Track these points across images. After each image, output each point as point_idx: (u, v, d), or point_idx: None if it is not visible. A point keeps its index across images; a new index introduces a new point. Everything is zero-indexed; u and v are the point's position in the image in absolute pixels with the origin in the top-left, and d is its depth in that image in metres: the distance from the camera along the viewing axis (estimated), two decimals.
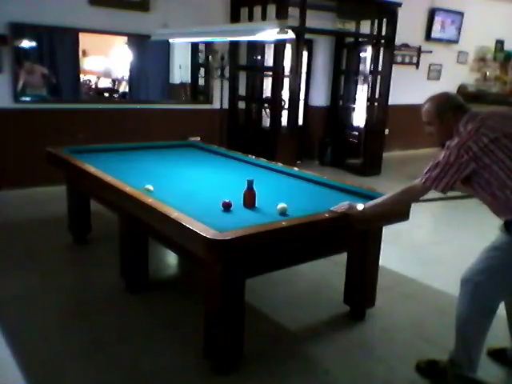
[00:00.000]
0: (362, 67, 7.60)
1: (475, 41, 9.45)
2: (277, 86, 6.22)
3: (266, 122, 6.67)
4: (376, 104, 7.16)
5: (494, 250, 2.18)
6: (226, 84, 6.41)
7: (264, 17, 5.91)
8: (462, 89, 9.54)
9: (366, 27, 7.27)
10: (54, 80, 6.11)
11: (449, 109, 2.22)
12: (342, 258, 2.91)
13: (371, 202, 2.45)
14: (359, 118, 7.57)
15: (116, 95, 8.34)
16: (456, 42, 9.10)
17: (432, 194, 2.26)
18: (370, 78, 7.16)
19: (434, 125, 2.27)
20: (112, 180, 2.95)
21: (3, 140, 5.21)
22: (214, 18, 6.11)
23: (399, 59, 8.18)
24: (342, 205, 2.49)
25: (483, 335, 2.26)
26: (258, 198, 2.61)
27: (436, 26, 8.64)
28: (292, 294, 3.30)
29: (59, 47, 6.15)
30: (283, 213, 2.46)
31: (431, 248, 4.35)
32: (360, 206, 2.44)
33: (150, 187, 2.79)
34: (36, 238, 4.09)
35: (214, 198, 2.81)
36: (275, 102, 6.31)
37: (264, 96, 6.83)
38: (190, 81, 7.07)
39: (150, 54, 6.90)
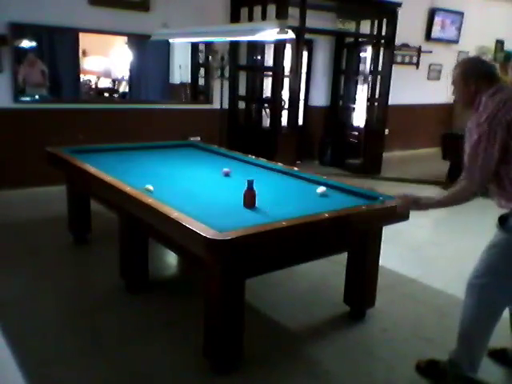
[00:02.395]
0: (362, 67, 7.61)
1: (475, 41, 9.44)
2: (277, 86, 6.22)
3: (266, 122, 6.67)
4: (376, 104, 7.16)
5: (492, 248, 2.18)
6: (226, 84, 6.41)
7: (264, 17, 5.91)
8: None
9: (366, 27, 7.27)
10: (48, 73, 6.06)
11: (473, 75, 2.17)
12: (342, 257, 2.91)
13: (428, 201, 2.30)
14: (359, 118, 7.58)
15: (116, 95, 8.35)
16: (456, 42, 9.10)
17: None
18: (369, 78, 7.16)
19: (457, 87, 2.23)
20: (112, 180, 2.95)
21: (3, 140, 5.20)
22: (214, 18, 6.11)
23: (399, 59, 8.18)
24: (403, 197, 2.38)
25: (487, 337, 2.26)
26: (258, 198, 2.61)
27: (436, 26, 8.64)
28: (292, 294, 3.30)
29: (59, 47, 6.16)
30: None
31: (431, 248, 4.35)
32: (418, 201, 2.32)
33: (150, 187, 2.79)
34: (36, 238, 4.09)
35: (214, 198, 2.82)
36: (275, 102, 6.31)
37: (264, 96, 6.83)
38: (190, 81, 7.07)
39: (150, 53, 6.92)
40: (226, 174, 3.35)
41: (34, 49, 5.94)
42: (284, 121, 6.54)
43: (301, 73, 6.80)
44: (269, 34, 3.19)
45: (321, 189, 2.93)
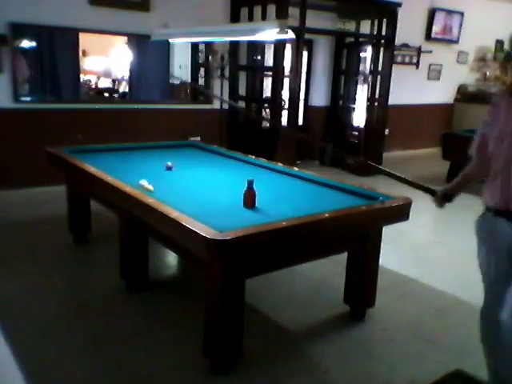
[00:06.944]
0: (362, 67, 7.60)
1: (475, 41, 9.45)
2: (277, 86, 6.22)
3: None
4: (376, 104, 7.16)
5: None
6: (226, 84, 6.41)
7: (264, 17, 5.91)
8: (462, 89, 9.53)
9: (366, 27, 7.27)
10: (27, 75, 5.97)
11: None
12: (342, 257, 2.91)
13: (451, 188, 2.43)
14: (359, 117, 7.57)
15: (116, 95, 8.35)
16: (456, 41, 9.10)
17: None
18: (370, 78, 7.16)
19: None
20: (112, 180, 2.95)
21: (3, 140, 5.20)
22: (214, 18, 6.11)
23: (399, 59, 8.17)
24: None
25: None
26: (258, 198, 2.61)
27: (436, 26, 8.64)
28: (292, 294, 3.30)
29: (59, 47, 6.16)
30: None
31: (431, 248, 4.35)
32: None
33: (150, 187, 2.79)
34: (36, 238, 4.09)
35: (214, 198, 2.82)
36: (275, 102, 6.30)
37: (264, 96, 6.84)
38: (190, 81, 7.07)
39: (150, 53, 6.92)
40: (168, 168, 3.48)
41: (31, 54, 5.91)
42: (284, 121, 6.54)
43: (301, 73, 6.80)
44: (269, 34, 3.18)
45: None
